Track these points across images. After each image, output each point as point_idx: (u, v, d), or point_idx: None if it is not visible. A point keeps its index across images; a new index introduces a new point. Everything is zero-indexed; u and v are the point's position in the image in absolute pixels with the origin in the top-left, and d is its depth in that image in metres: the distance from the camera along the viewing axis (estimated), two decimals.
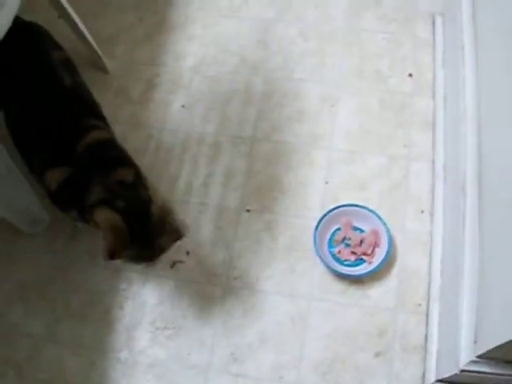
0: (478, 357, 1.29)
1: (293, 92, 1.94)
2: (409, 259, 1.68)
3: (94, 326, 1.65)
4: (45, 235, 1.76)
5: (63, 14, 1.75)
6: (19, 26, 1.41)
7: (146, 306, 1.67)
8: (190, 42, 2.05)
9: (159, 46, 2.05)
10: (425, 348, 1.57)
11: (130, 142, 1.55)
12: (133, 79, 1.99)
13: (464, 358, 1.33)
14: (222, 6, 2.12)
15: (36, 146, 1.47)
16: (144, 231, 1.37)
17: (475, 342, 1.30)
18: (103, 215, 1.36)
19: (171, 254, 1.68)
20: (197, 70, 2.00)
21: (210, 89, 1.96)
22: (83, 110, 1.53)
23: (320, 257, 1.64)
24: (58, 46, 1.61)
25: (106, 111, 1.59)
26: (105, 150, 1.46)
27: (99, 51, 1.91)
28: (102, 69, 1.95)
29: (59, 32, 1.68)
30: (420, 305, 1.62)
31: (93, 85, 1.63)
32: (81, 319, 1.66)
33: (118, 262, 1.63)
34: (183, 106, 1.94)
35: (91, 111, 1.55)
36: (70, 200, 1.45)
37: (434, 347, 1.55)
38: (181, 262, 1.71)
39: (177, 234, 1.39)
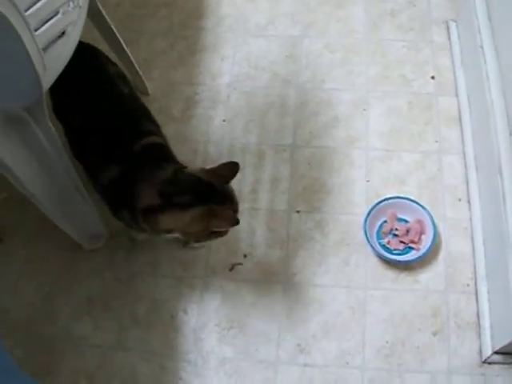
0: None
1: (325, 100, 2.06)
2: (453, 244, 1.79)
3: (162, 332, 1.72)
4: (105, 250, 1.83)
5: (109, 37, 1.86)
6: (78, 46, 1.52)
7: (210, 309, 1.74)
8: (223, 62, 2.18)
9: (194, 67, 2.17)
10: (478, 324, 1.66)
11: (178, 156, 1.65)
12: (173, 99, 2.10)
13: None
14: (250, 27, 2.25)
15: (96, 152, 1.55)
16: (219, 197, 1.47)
17: None
18: (188, 216, 1.44)
19: (230, 257, 1.80)
20: (233, 86, 2.12)
21: (247, 103, 2.08)
22: (141, 115, 1.65)
23: (372, 246, 1.75)
24: (112, 62, 1.75)
25: None
26: (157, 153, 1.56)
27: (141, 74, 2.01)
28: (142, 91, 2.05)
29: None
30: (468, 285, 1.72)
31: None
32: (148, 326, 1.73)
33: (179, 271, 1.78)
34: (224, 121, 2.05)
35: (148, 117, 1.66)
36: (121, 198, 1.53)
37: (487, 322, 1.65)
38: (239, 264, 1.79)
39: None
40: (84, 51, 1.67)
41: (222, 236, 1.53)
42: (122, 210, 1.55)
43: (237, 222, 1.43)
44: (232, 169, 1.49)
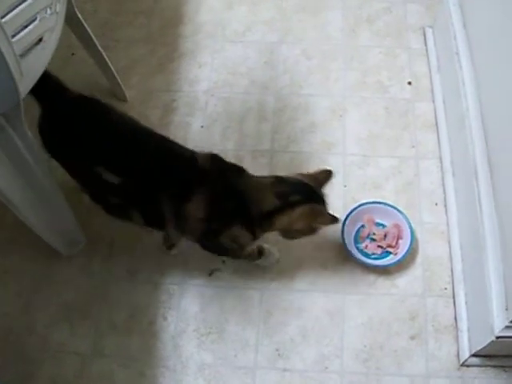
0: None
1: (303, 106, 2.08)
2: (430, 248, 1.81)
3: (140, 338, 1.71)
4: (82, 257, 1.82)
5: (87, 43, 1.86)
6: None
7: (188, 315, 1.74)
8: (202, 68, 2.19)
9: (172, 74, 2.18)
10: (456, 327, 1.68)
11: None
12: (151, 106, 2.11)
13: (498, 324, 1.44)
14: (227, 34, 2.27)
15: (158, 193, 1.51)
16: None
17: (507, 309, 1.42)
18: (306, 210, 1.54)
19: (208, 263, 1.80)
20: (211, 92, 2.13)
21: (225, 109, 2.09)
22: (171, 142, 1.62)
23: (349, 251, 1.76)
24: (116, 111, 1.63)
25: None
26: (221, 162, 1.58)
27: (119, 80, 2.01)
28: (121, 98, 2.06)
29: (75, 67, 1.95)
30: (446, 288, 1.74)
31: None
32: (126, 333, 1.72)
33: (157, 277, 1.78)
34: (202, 127, 2.06)
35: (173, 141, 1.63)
36: (230, 215, 1.52)
37: (464, 325, 1.66)
38: (218, 269, 1.80)
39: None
40: (95, 106, 1.59)
41: (313, 234, 1.61)
42: (233, 228, 1.53)
43: (337, 220, 1.57)
44: (327, 175, 1.62)
